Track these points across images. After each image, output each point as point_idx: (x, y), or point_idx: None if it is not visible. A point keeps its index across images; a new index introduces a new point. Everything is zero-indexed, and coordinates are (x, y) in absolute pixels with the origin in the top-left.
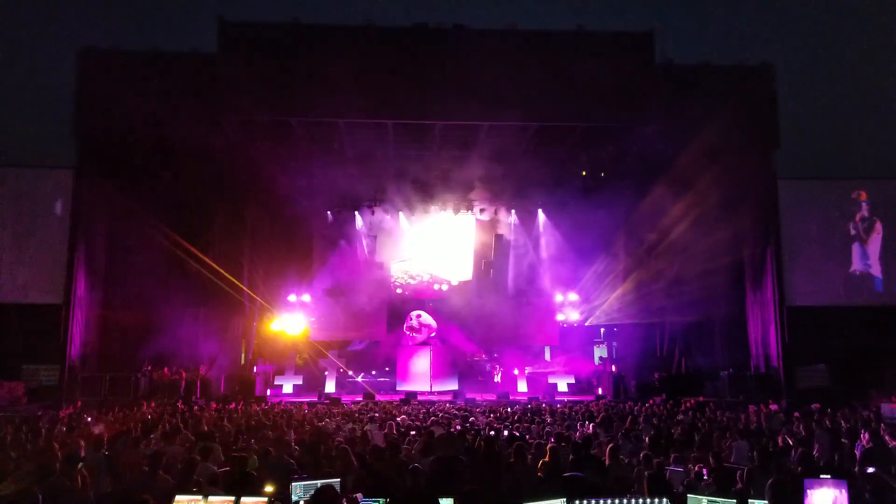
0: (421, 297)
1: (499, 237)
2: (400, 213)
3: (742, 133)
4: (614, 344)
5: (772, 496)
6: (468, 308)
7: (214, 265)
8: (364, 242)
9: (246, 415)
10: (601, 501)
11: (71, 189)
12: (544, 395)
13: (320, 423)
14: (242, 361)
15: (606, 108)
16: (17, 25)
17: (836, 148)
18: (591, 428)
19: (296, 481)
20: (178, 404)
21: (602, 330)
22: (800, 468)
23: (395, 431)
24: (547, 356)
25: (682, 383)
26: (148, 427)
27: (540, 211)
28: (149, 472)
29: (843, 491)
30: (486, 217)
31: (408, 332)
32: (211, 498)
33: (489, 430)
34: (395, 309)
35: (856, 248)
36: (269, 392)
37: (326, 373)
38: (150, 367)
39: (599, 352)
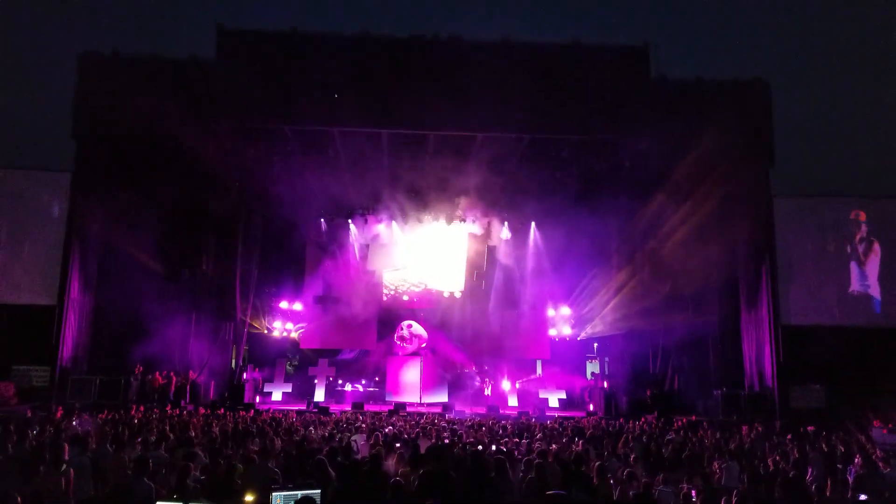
0: (412, 307)
1: (491, 248)
2: (393, 222)
3: (736, 148)
4: (606, 359)
5: None
6: (459, 319)
7: (207, 270)
8: (356, 251)
9: (233, 421)
10: None
11: (68, 191)
12: (534, 410)
13: (305, 432)
14: (232, 367)
15: (600, 121)
16: (17, 29)
17: (832, 165)
18: (580, 445)
19: (276, 491)
20: (167, 409)
21: (595, 345)
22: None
23: (381, 443)
24: (538, 370)
25: (674, 401)
26: (134, 431)
27: (532, 223)
28: (133, 476)
29: None
30: (478, 228)
31: (398, 342)
32: None
33: (476, 445)
34: (386, 318)
35: (854, 268)
36: (258, 399)
37: (316, 381)
38: (140, 371)
39: (591, 367)
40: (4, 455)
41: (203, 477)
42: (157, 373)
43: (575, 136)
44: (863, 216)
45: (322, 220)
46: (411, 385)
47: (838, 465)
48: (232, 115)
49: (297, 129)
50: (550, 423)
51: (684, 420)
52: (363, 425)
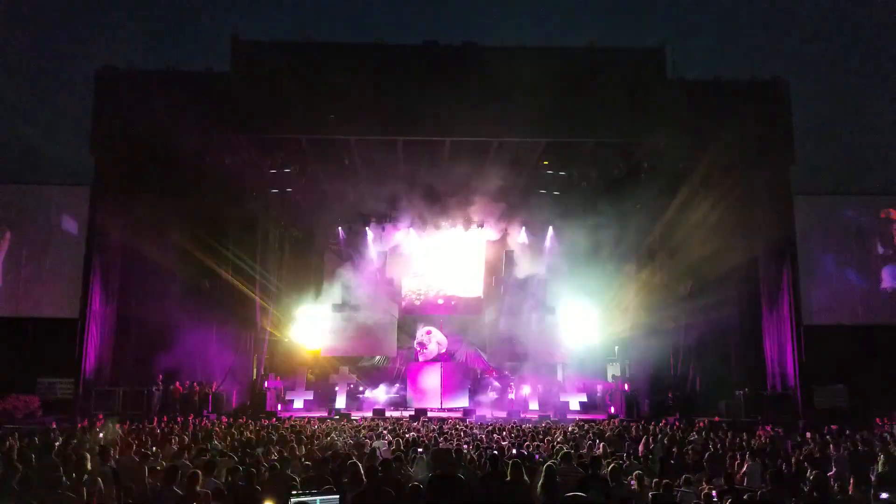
0: (431, 313)
1: (509, 253)
2: (411, 229)
3: (756, 148)
4: (627, 362)
5: None
6: (478, 324)
7: (227, 280)
8: (375, 258)
9: (255, 430)
10: None
11: (87, 205)
12: (556, 413)
13: (328, 439)
14: (254, 376)
15: (618, 124)
16: (35, 47)
17: (855, 163)
18: (600, 447)
19: (295, 497)
20: (190, 418)
21: (616, 348)
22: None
23: (402, 448)
24: (559, 374)
25: (695, 402)
26: (158, 441)
27: (550, 227)
28: (161, 487)
29: None
30: (496, 233)
31: (418, 349)
32: None
33: (494, 448)
34: (406, 325)
35: (889, 267)
36: (279, 407)
37: (337, 388)
38: (163, 381)
39: (612, 370)
40: (29, 467)
41: (226, 484)
42: (178, 382)
43: (593, 139)
44: (894, 214)
45: (340, 228)
46: (432, 391)
47: (862, 464)
48: (248, 126)
49: (313, 138)
50: (571, 425)
51: (706, 421)
52: (385, 431)
